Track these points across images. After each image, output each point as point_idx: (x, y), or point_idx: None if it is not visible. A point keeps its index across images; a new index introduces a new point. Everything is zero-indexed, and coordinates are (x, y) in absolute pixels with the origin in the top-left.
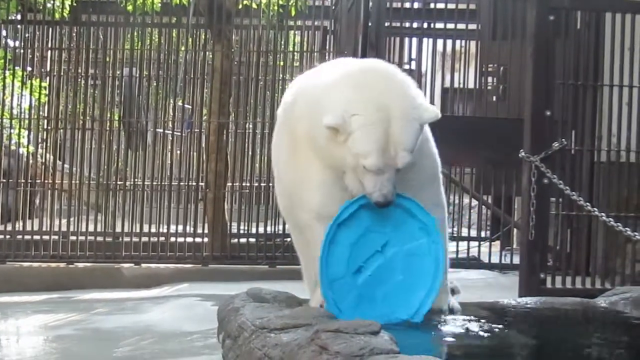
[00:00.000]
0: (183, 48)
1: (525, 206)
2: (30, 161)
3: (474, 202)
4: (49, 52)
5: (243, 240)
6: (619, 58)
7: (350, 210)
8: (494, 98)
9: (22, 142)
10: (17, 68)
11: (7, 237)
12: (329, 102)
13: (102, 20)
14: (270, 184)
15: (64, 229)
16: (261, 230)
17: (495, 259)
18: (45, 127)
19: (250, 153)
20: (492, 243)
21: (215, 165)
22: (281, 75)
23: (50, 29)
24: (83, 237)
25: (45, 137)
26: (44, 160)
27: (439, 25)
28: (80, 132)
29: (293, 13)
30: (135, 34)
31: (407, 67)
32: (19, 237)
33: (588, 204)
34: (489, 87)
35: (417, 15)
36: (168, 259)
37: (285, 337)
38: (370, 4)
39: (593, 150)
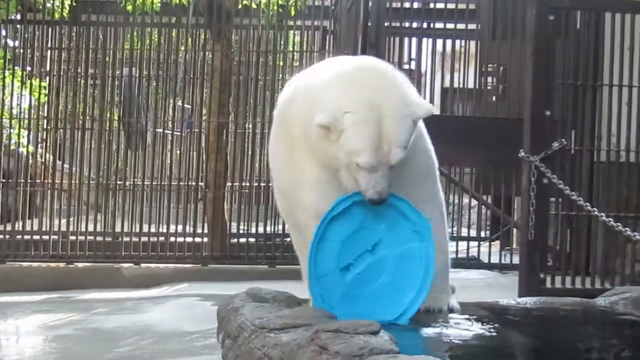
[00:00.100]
0: (183, 48)
1: (525, 206)
2: (30, 161)
3: (474, 202)
4: (49, 51)
5: (243, 240)
6: (618, 58)
7: (343, 206)
8: (494, 98)
9: (21, 141)
10: (16, 68)
11: (7, 237)
12: (322, 101)
13: (102, 20)
14: (270, 184)
15: (63, 228)
16: (261, 230)
17: (495, 259)
18: (45, 126)
19: (249, 153)
20: (492, 243)
21: (214, 165)
22: (281, 75)
23: (50, 29)
24: (83, 237)
25: (45, 136)
26: (43, 160)
27: (439, 25)
28: (80, 132)
29: (293, 13)
30: (135, 33)
31: (406, 67)
32: (19, 237)
33: (588, 204)
34: (489, 87)
35: (416, 15)
36: (168, 259)
37: (284, 337)
38: (370, 4)
39: (593, 150)
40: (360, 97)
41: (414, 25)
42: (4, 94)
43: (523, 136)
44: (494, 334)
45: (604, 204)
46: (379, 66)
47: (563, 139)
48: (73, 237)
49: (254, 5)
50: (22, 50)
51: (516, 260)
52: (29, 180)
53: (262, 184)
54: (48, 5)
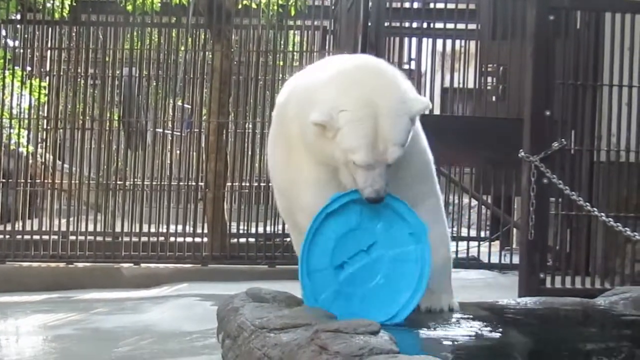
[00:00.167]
0: (183, 48)
1: (525, 206)
2: (30, 161)
3: (474, 202)
4: (49, 51)
5: (242, 240)
6: (618, 58)
7: (339, 203)
8: (494, 98)
9: (21, 141)
10: (16, 68)
11: (7, 236)
12: (319, 100)
13: (102, 20)
14: (270, 184)
15: (63, 228)
16: (261, 230)
17: (494, 259)
18: (44, 126)
19: (249, 153)
20: (492, 243)
21: (214, 165)
22: (281, 75)
23: (50, 29)
24: (83, 237)
25: (44, 136)
26: (43, 160)
27: (439, 25)
28: (80, 131)
29: (293, 13)
30: (135, 33)
31: (406, 67)
32: (19, 236)
33: (588, 203)
34: (489, 87)
35: (416, 15)
36: (167, 259)
37: (284, 337)
38: (370, 3)
39: (593, 150)
40: (356, 95)
41: (414, 25)
42: (3, 93)
43: (523, 136)
44: (494, 334)
45: (603, 204)
46: (375, 64)
47: (563, 139)
48: (73, 237)
49: (254, 5)
50: (22, 50)
51: (516, 260)
52: (29, 180)
53: (262, 184)
54: (48, 5)
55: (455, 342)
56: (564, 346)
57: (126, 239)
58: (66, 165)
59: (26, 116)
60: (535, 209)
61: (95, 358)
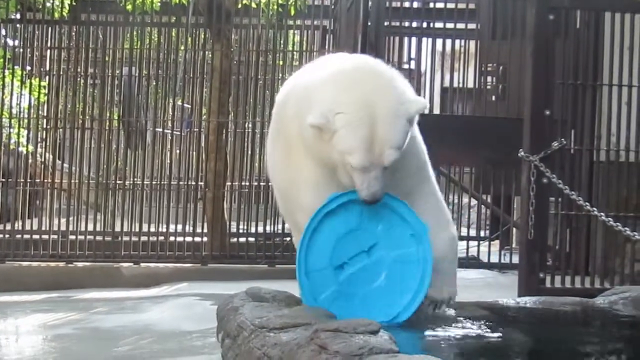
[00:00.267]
0: (182, 47)
1: (525, 206)
2: (30, 160)
3: (474, 202)
4: (49, 51)
5: (242, 239)
6: (618, 57)
7: (338, 202)
8: (494, 97)
9: (21, 141)
10: (16, 67)
11: (7, 236)
12: (316, 101)
13: (102, 19)
14: (270, 183)
15: (63, 228)
16: (260, 229)
17: (494, 259)
18: (44, 126)
19: (249, 152)
20: (492, 242)
21: (214, 164)
22: (281, 75)
23: (50, 28)
24: (82, 237)
25: (44, 136)
26: (43, 160)
27: (439, 25)
28: (80, 131)
29: (292, 12)
30: (135, 33)
31: (406, 66)
32: (19, 236)
33: (587, 203)
34: (489, 87)
35: (416, 14)
36: (167, 259)
37: (284, 336)
38: (370, 3)
39: (592, 150)
40: (353, 98)
41: (414, 24)
42: (3, 93)
43: (523, 136)
44: (493, 333)
45: (603, 203)
46: (373, 65)
47: (563, 139)
48: (73, 237)
49: (253, 5)
50: (21, 50)
51: (516, 259)
52: (28, 180)
53: (261, 184)
54: (48, 4)
55: (455, 342)
56: (564, 346)
57: (126, 238)
58: (66, 165)
59: (26, 115)
60: (535, 209)
61: (95, 357)
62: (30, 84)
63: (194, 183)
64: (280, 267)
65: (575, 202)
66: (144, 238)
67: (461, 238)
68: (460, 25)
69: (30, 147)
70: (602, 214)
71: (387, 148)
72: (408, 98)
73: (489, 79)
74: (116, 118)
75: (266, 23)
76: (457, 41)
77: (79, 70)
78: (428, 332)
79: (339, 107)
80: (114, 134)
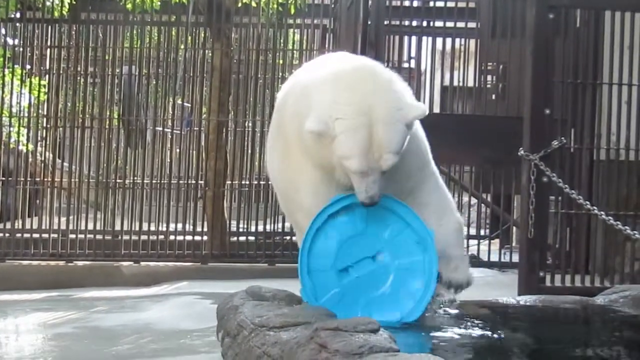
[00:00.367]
0: (182, 46)
1: (525, 204)
2: (30, 159)
3: (474, 201)
4: (48, 50)
5: (242, 238)
6: (618, 56)
7: (343, 204)
8: (494, 96)
9: (21, 140)
10: (16, 66)
11: (7, 235)
12: (314, 105)
13: (102, 18)
14: (270, 182)
15: (63, 227)
16: (260, 228)
17: (494, 258)
18: (44, 125)
19: (249, 151)
20: (492, 241)
21: (214, 163)
22: (280, 74)
23: (50, 27)
24: (82, 235)
25: (44, 135)
26: (43, 159)
27: (439, 24)
28: (80, 130)
29: (292, 11)
30: (135, 32)
31: (406, 65)
32: (19, 235)
33: (587, 202)
34: (489, 86)
35: (416, 13)
36: (167, 257)
37: (284, 335)
38: (370, 2)
39: (592, 149)
40: (352, 103)
41: (414, 23)
42: (3, 92)
43: (523, 135)
44: (493, 332)
45: (603, 202)
46: (371, 68)
47: (563, 138)
48: (73, 236)
49: (253, 4)
50: (21, 49)
51: (516, 258)
52: (28, 179)
53: (261, 182)
54: (47, 3)
55: (455, 341)
56: (564, 344)
57: (126, 237)
58: (66, 164)
59: (26, 114)
60: (535, 208)
61: (95, 356)
62: (30, 82)
63: (194, 182)
64: (280, 266)
65: (575, 200)
66: (144, 237)
67: None
68: (460, 24)
69: (30, 146)
70: (602, 212)
71: (385, 153)
72: (406, 103)
73: (489, 77)
74: (116, 117)
75: (266, 22)
76: (457, 40)
77: (79, 69)
78: (427, 331)
79: (337, 113)
80: (114, 133)
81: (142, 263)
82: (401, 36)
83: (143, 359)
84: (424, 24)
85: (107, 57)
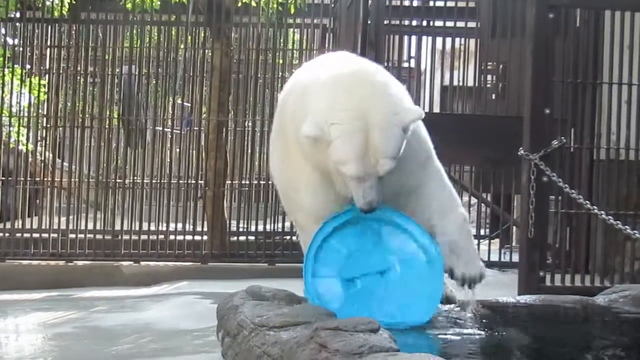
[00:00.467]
0: (182, 46)
1: (525, 204)
2: (30, 159)
3: (474, 200)
4: (48, 49)
5: (242, 238)
6: (618, 56)
7: (346, 217)
8: (494, 96)
9: (21, 140)
10: (16, 66)
11: (7, 235)
12: (311, 108)
13: (102, 18)
14: (270, 182)
15: (63, 226)
16: (260, 228)
17: (494, 257)
18: (44, 125)
19: (249, 151)
20: (492, 241)
21: (214, 163)
22: (280, 73)
23: (50, 27)
24: (82, 235)
25: (44, 134)
26: (43, 158)
27: (439, 23)
28: (80, 130)
29: (292, 11)
30: (135, 31)
31: (406, 65)
32: (19, 235)
33: (587, 202)
34: (489, 85)
35: (416, 13)
36: (167, 257)
37: (284, 334)
38: (370, 1)
39: (592, 148)
40: (347, 108)
41: (414, 23)
42: (3, 92)
43: (523, 134)
44: (493, 332)
45: (603, 202)
46: (368, 73)
47: (563, 137)
48: (73, 235)
49: (253, 3)
50: (21, 49)
51: (516, 258)
52: (28, 179)
53: (261, 182)
54: (47, 3)
55: (455, 340)
56: (564, 344)
57: (126, 237)
58: (66, 163)
59: (26, 114)
60: (535, 207)
61: (95, 356)
62: (30, 82)
63: (194, 181)
64: (280, 266)
65: (575, 200)
66: (144, 236)
67: None
68: (460, 24)
69: (30, 146)
70: (602, 212)
71: (381, 158)
72: (403, 107)
73: (489, 77)
74: (116, 117)
75: (266, 21)
76: (457, 40)
77: (78, 68)
78: (427, 330)
79: (333, 118)
80: (114, 133)
81: (142, 263)
82: (401, 36)
83: (143, 359)
84: (424, 23)
85: (107, 57)
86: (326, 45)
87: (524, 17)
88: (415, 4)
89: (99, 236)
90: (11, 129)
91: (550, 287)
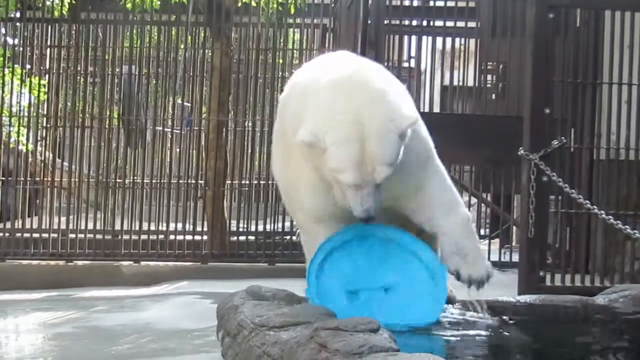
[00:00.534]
0: (182, 46)
1: (525, 204)
2: (30, 159)
3: (474, 200)
4: (48, 49)
5: (242, 238)
6: (618, 56)
7: (357, 233)
8: (494, 96)
9: (21, 140)
10: (16, 66)
11: (7, 234)
12: (307, 115)
13: (102, 17)
14: (270, 182)
15: (63, 226)
16: (260, 228)
17: (494, 257)
18: (44, 125)
19: (249, 151)
20: (492, 241)
21: (214, 163)
22: (280, 73)
23: (50, 27)
24: (82, 235)
25: (44, 134)
26: (43, 158)
27: (439, 23)
28: (80, 129)
29: (292, 10)
30: (135, 31)
31: (406, 65)
32: (19, 234)
33: (587, 201)
34: (489, 85)
35: (416, 13)
36: (167, 257)
37: (284, 334)
38: (370, 1)
39: (592, 148)
40: (343, 114)
41: (414, 23)
42: (3, 92)
43: (523, 134)
44: (493, 332)
45: (603, 201)
46: (365, 78)
47: (563, 137)
48: (73, 235)
49: (253, 3)
50: (21, 48)
51: (516, 258)
52: (28, 178)
53: (261, 182)
54: (47, 3)
55: (455, 340)
56: (564, 344)
57: (126, 236)
58: (66, 163)
59: (26, 114)
60: (535, 207)
61: (95, 356)
62: (30, 82)
63: (194, 181)
64: (280, 266)
65: (575, 200)
66: (144, 236)
67: None
68: (460, 24)
69: (30, 146)
70: (602, 212)
71: (378, 165)
72: (400, 113)
73: (489, 77)
74: (116, 116)
75: (266, 21)
76: (457, 39)
77: (78, 68)
78: (427, 330)
79: (328, 125)
80: (114, 133)
81: (142, 263)
82: (401, 36)
83: (143, 359)
84: (424, 23)
85: (107, 57)
86: (326, 45)
87: (524, 17)
88: (415, 4)
89: (99, 236)
90: (11, 128)
91: (550, 287)
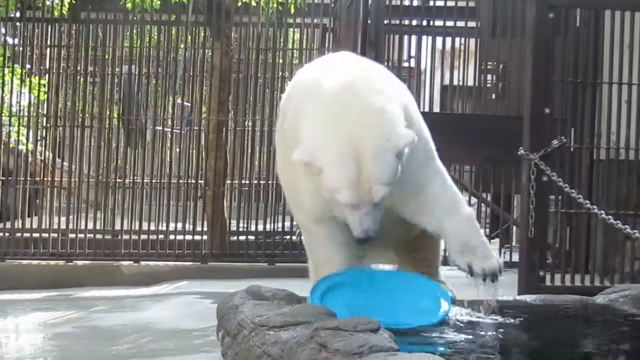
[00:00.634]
0: (182, 45)
1: (525, 204)
2: (30, 159)
3: (473, 200)
4: (48, 49)
5: (242, 237)
6: (618, 56)
7: (360, 274)
8: (494, 96)
9: (21, 139)
10: (16, 66)
11: (7, 234)
12: (303, 131)
13: (101, 17)
14: (270, 182)
15: (63, 226)
16: (260, 227)
17: None
18: (44, 124)
19: (249, 150)
20: (492, 241)
21: (214, 162)
22: (280, 73)
23: (49, 27)
24: (82, 235)
25: (44, 134)
26: (43, 158)
27: (439, 23)
28: (80, 129)
29: (292, 10)
30: (135, 31)
31: (406, 64)
32: (18, 234)
33: (587, 201)
34: (489, 85)
35: (416, 12)
36: (167, 257)
37: (284, 334)
38: (370, 1)
39: (592, 148)
40: (339, 133)
41: (414, 22)
42: (3, 91)
43: (523, 134)
44: (493, 331)
45: (603, 201)
46: (363, 92)
47: (563, 137)
48: (73, 235)
49: (253, 3)
50: (21, 48)
51: (516, 258)
52: (28, 178)
53: (261, 182)
54: (47, 2)
55: (455, 340)
56: (564, 344)
57: (126, 236)
58: (66, 163)
59: (26, 114)
60: (535, 207)
61: (95, 356)
62: (30, 82)
63: (194, 181)
64: (280, 266)
65: (575, 200)
66: (143, 236)
67: None
68: (460, 24)
69: (30, 146)
70: (602, 212)
71: (375, 185)
72: (396, 132)
73: (489, 77)
74: (116, 116)
75: (266, 21)
76: (457, 39)
77: (78, 68)
78: (427, 330)
79: (323, 144)
80: (114, 132)
81: (142, 262)
82: (401, 35)
83: (143, 359)
84: (424, 23)
85: (107, 57)
86: (326, 45)
87: (524, 17)
88: (415, 3)
89: (99, 236)
90: (11, 128)
91: (550, 287)
